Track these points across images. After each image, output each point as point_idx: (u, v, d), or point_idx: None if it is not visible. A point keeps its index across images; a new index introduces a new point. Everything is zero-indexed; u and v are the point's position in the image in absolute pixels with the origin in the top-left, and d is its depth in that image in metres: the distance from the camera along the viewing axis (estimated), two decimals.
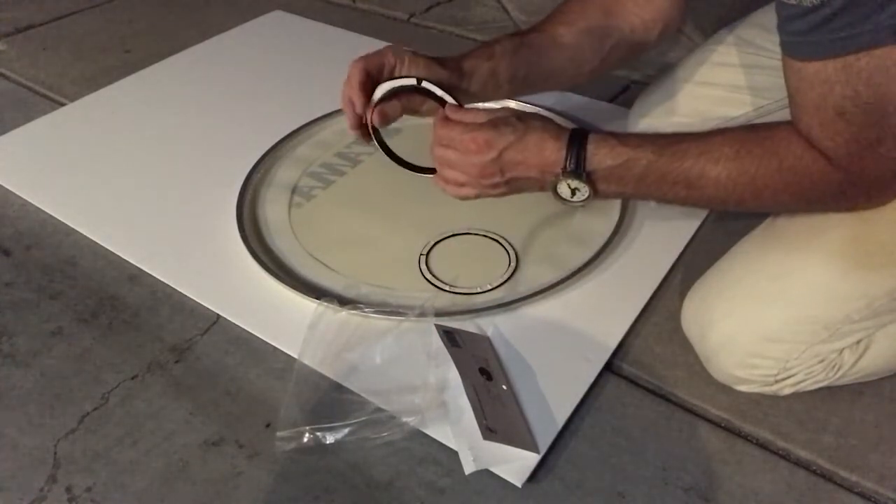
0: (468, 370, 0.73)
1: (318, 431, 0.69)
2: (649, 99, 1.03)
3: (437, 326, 0.78)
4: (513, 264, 0.87)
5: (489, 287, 0.85)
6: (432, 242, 0.91)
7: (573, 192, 0.70)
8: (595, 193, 0.69)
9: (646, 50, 0.87)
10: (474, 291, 0.84)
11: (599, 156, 0.67)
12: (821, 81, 0.55)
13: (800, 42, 0.56)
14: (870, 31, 0.51)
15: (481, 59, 0.79)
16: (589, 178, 0.68)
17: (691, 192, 0.67)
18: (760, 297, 0.69)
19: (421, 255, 0.89)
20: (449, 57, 0.78)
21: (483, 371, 0.74)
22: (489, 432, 0.68)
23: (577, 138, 0.68)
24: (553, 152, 0.68)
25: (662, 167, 0.66)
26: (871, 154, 0.57)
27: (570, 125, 0.72)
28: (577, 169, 0.67)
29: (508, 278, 0.86)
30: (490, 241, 0.91)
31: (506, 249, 0.90)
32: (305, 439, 0.69)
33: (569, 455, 0.69)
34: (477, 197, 0.74)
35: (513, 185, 0.72)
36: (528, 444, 0.68)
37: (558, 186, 0.70)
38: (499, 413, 0.70)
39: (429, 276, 0.86)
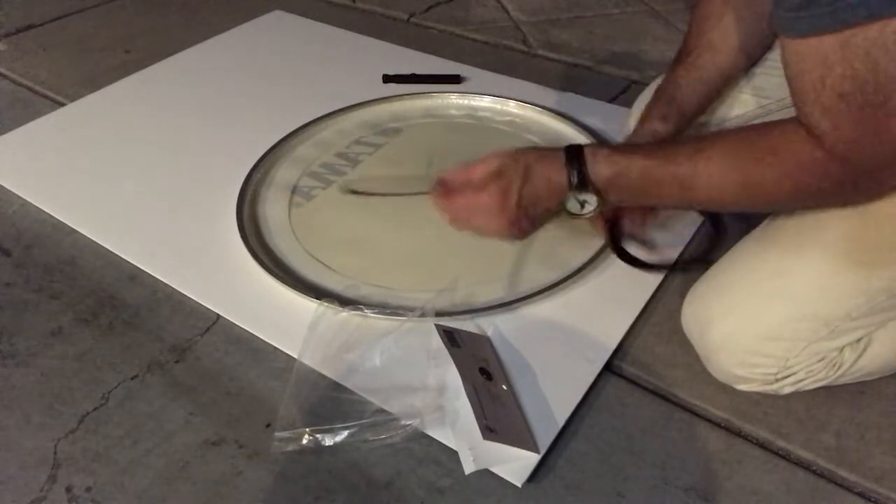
0: (468, 370, 0.73)
1: (318, 433, 0.69)
2: (649, 99, 1.03)
3: (438, 326, 0.78)
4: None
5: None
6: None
7: (582, 205, 0.72)
8: (603, 202, 0.71)
9: None
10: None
11: (598, 167, 0.69)
12: (819, 62, 0.54)
13: (796, 17, 0.54)
14: (866, 1, 0.50)
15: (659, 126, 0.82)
16: (594, 189, 0.70)
17: (685, 192, 0.67)
18: (760, 295, 0.69)
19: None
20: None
21: (483, 371, 0.74)
22: (489, 432, 0.68)
23: (574, 155, 0.70)
24: (557, 175, 0.70)
25: (656, 171, 0.67)
26: (873, 139, 0.55)
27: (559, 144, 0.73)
28: (582, 182, 0.69)
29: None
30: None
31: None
32: (304, 441, 0.69)
33: (569, 455, 0.69)
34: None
35: (537, 222, 0.75)
36: (528, 444, 0.68)
37: (568, 204, 0.72)
38: (499, 413, 0.70)
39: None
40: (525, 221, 0.73)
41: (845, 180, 0.59)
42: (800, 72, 0.57)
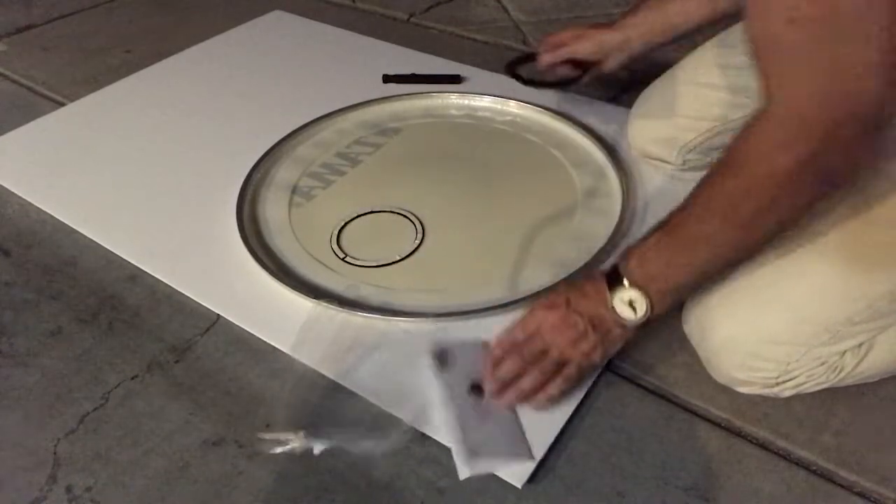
0: (457, 394, 0.71)
1: (316, 435, 0.69)
2: (649, 99, 1.03)
3: (429, 354, 0.75)
4: (419, 235, 0.93)
5: (397, 258, 0.89)
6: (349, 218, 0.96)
7: (630, 305, 0.67)
8: (650, 299, 0.66)
9: None
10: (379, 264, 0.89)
11: (627, 259, 0.67)
12: None
13: None
14: None
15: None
16: (632, 283, 0.66)
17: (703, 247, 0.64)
18: (761, 299, 0.69)
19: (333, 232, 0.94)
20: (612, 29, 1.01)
21: (475, 387, 0.71)
22: (474, 455, 0.66)
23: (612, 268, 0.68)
24: (598, 281, 0.69)
25: (673, 235, 0.65)
26: (837, 73, 0.50)
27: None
28: (616, 278, 0.67)
29: (416, 248, 0.91)
30: (399, 216, 0.96)
31: (412, 222, 0.94)
32: (302, 442, 0.68)
33: (569, 455, 0.69)
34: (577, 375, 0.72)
35: (600, 333, 0.69)
36: (521, 454, 0.67)
37: (615, 305, 0.67)
38: (487, 431, 0.68)
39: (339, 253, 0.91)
40: (592, 336, 0.68)
41: (812, 152, 0.54)
42: (751, 6, 0.54)
